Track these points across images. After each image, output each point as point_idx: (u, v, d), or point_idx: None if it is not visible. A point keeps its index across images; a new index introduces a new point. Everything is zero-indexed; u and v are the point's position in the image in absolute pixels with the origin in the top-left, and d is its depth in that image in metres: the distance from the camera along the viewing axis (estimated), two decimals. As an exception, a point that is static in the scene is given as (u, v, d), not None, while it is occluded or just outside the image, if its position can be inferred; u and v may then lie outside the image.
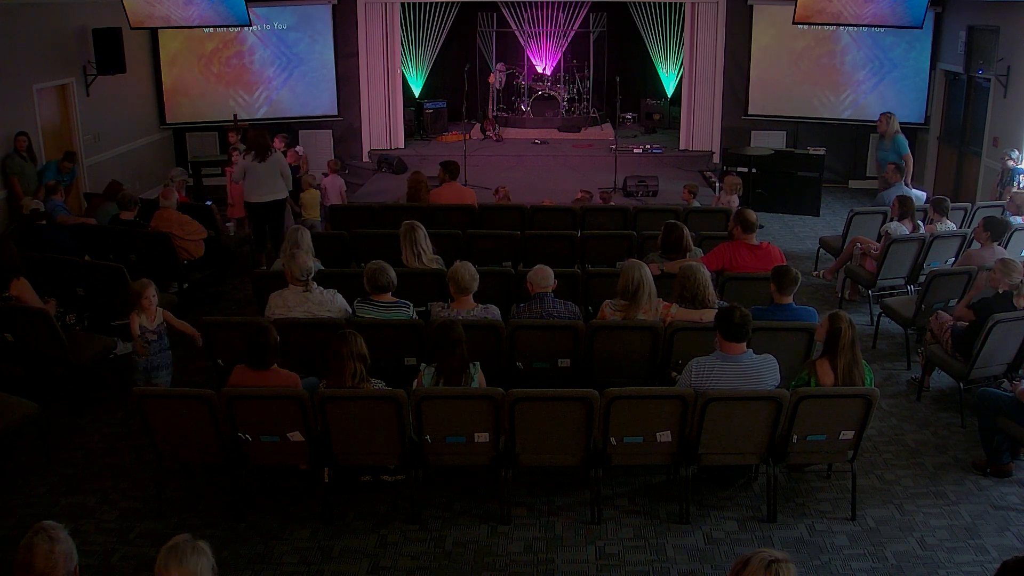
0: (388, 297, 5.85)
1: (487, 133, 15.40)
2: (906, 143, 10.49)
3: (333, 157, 12.58)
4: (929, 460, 5.76)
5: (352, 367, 4.90)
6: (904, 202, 8.24)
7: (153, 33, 12.73)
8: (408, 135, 14.93)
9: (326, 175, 11.19)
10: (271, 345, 5.05)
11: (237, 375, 5.12)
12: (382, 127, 14.29)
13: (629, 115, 16.34)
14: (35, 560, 2.95)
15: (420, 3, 14.69)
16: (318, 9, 13.62)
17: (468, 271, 5.75)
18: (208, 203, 10.14)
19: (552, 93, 16.04)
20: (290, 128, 13.91)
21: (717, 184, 11.99)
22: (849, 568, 4.68)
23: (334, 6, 13.64)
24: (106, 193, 9.15)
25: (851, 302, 8.50)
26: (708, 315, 5.54)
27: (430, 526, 5.02)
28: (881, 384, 6.69)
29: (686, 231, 6.66)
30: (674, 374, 5.36)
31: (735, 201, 9.79)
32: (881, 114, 10.61)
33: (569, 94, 16.26)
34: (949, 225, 8.29)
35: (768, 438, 4.94)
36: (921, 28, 11.75)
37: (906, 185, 9.87)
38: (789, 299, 5.74)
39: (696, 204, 9.70)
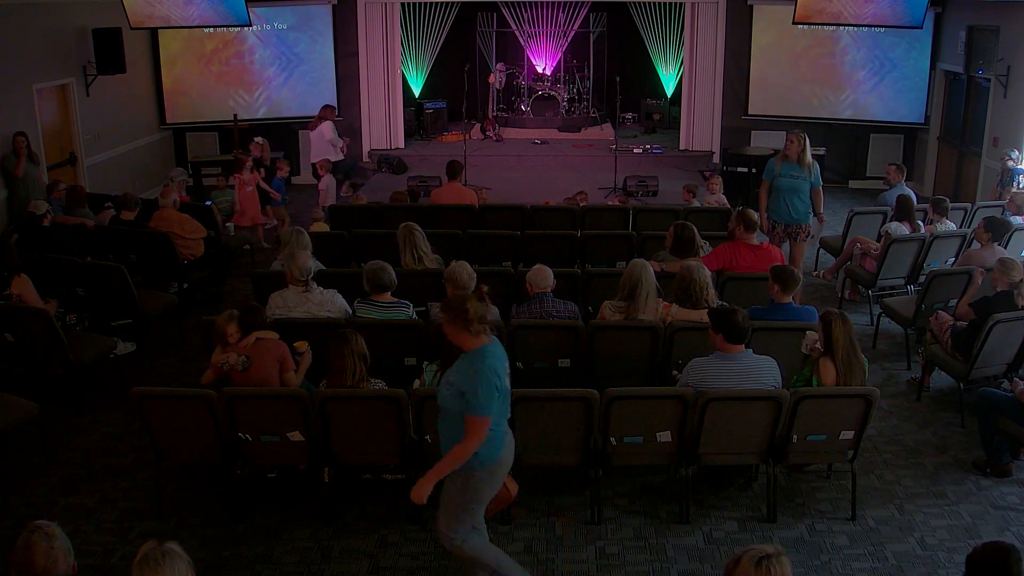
0: (388, 297, 5.85)
1: (487, 133, 15.40)
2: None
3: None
4: (929, 460, 5.77)
5: (352, 367, 4.90)
6: (904, 202, 8.25)
7: (153, 33, 12.72)
8: (408, 135, 14.93)
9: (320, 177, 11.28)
10: (261, 323, 5.34)
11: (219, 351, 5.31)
12: (382, 127, 14.28)
13: (629, 115, 16.34)
14: (35, 558, 2.95)
15: (420, 3, 14.69)
16: (318, 9, 13.62)
17: (466, 270, 5.75)
18: (208, 203, 10.14)
19: (552, 93, 16.04)
20: (290, 128, 13.93)
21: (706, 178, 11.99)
22: (849, 568, 4.68)
23: (334, 6, 13.64)
24: (72, 200, 8.93)
25: (851, 302, 8.50)
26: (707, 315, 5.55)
27: (430, 526, 5.02)
28: (881, 384, 6.68)
29: (696, 230, 6.69)
30: (675, 373, 5.36)
31: (723, 199, 9.84)
32: (793, 132, 8.17)
33: (569, 94, 16.26)
34: (949, 225, 8.30)
35: (768, 438, 4.94)
36: (921, 28, 11.75)
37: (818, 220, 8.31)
38: (790, 299, 5.75)
39: (696, 204, 9.70)
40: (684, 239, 6.65)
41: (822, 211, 8.24)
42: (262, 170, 11.04)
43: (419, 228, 6.75)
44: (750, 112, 13.89)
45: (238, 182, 10.45)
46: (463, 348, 3.89)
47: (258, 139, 12.09)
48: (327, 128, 11.79)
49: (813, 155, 12.06)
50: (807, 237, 8.23)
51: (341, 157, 12.00)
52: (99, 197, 9.49)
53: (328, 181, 11.28)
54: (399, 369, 5.64)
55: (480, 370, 3.78)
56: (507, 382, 3.95)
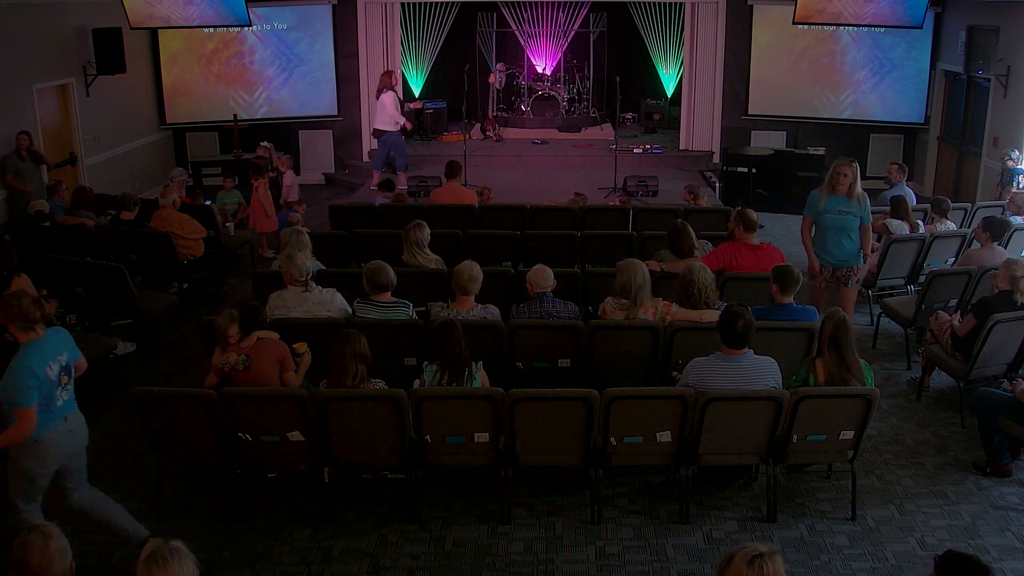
0: (387, 297, 5.85)
1: (487, 133, 15.40)
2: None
3: (287, 154, 12.37)
4: (929, 460, 5.77)
5: (354, 367, 4.90)
6: (897, 203, 8.23)
7: (153, 33, 12.73)
8: (408, 135, 14.91)
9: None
10: (262, 323, 5.32)
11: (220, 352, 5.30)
12: (382, 127, 14.26)
13: (629, 115, 16.34)
14: (31, 557, 2.96)
15: (420, 3, 14.69)
16: (318, 9, 13.62)
17: (468, 272, 5.74)
18: (208, 203, 10.13)
19: (552, 93, 16.03)
20: (290, 128, 13.94)
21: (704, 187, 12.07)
22: (849, 568, 4.68)
23: (334, 6, 13.64)
24: (77, 201, 8.94)
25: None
26: (708, 315, 5.55)
27: (430, 526, 5.03)
28: (881, 384, 6.68)
29: (690, 231, 6.70)
30: (675, 374, 5.36)
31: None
32: (843, 163, 6.83)
33: (569, 94, 16.25)
34: (949, 225, 8.30)
35: (768, 438, 4.94)
36: (921, 28, 11.76)
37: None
38: (790, 299, 5.74)
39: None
40: (677, 243, 6.65)
41: (869, 250, 7.09)
42: (272, 172, 10.99)
43: (423, 230, 6.74)
44: (750, 112, 13.90)
45: (263, 186, 10.11)
46: (17, 341, 4.33)
47: (265, 143, 12.06)
48: (389, 101, 12.07)
49: (813, 154, 12.24)
50: (858, 281, 7.09)
51: (395, 129, 12.20)
52: (105, 199, 9.45)
53: (292, 177, 11.16)
54: (399, 369, 5.64)
55: (14, 366, 4.21)
56: (52, 373, 4.31)
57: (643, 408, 4.86)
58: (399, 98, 12.42)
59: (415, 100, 15.67)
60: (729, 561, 2.83)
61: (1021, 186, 9.64)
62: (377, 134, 12.44)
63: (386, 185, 10.15)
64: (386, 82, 12.25)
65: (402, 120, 12.21)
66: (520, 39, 16.52)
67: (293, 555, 4.77)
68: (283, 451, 4.99)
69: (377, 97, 12.29)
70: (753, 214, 6.77)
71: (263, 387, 5.12)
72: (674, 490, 5.22)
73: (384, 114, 12.15)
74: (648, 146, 14.54)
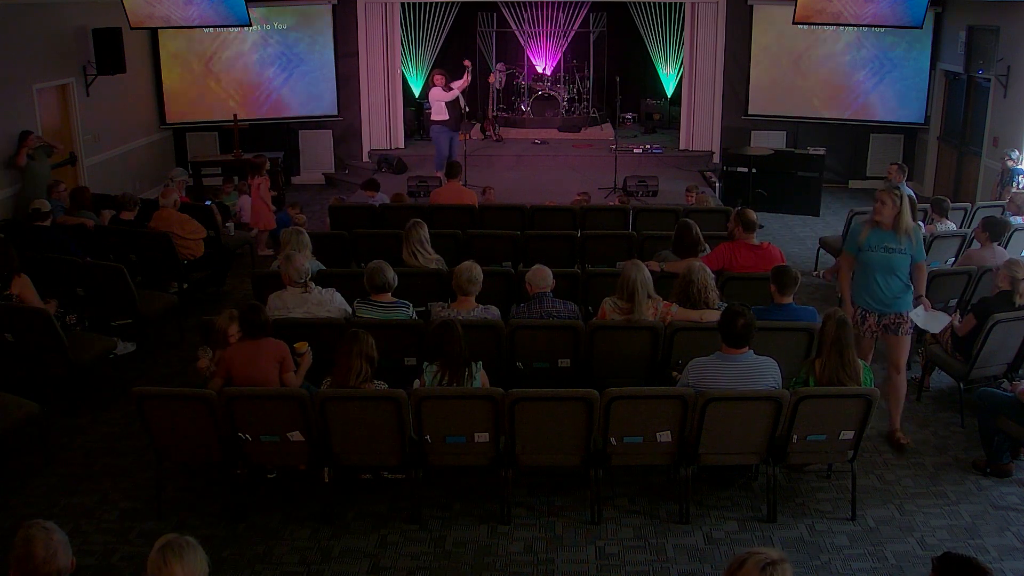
0: (388, 297, 5.85)
1: (487, 133, 15.40)
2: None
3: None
4: (929, 460, 5.77)
5: (358, 367, 4.90)
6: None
7: (153, 33, 12.73)
8: (408, 135, 14.93)
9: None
10: (263, 322, 5.27)
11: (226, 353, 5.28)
12: (382, 127, 14.29)
13: (629, 115, 16.35)
14: (36, 549, 2.97)
15: (420, 3, 14.69)
16: (318, 9, 13.63)
17: (467, 273, 5.74)
18: (208, 203, 10.13)
19: (552, 93, 16.03)
20: (290, 128, 13.94)
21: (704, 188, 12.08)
22: (849, 568, 4.69)
23: (334, 6, 13.64)
24: (75, 201, 8.94)
25: (851, 302, 8.48)
26: (708, 315, 5.55)
27: (430, 526, 5.03)
28: (881, 384, 6.66)
29: (697, 230, 6.70)
30: (675, 374, 5.36)
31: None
32: (885, 191, 5.87)
33: (569, 94, 16.26)
34: (949, 225, 8.30)
35: (768, 438, 4.94)
36: (921, 28, 11.76)
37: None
38: (789, 299, 5.74)
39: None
40: (686, 239, 6.66)
41: (924, 292, 6.02)
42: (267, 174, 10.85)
43: (423, 228, 6.75)
44: (750, 112, 13.90)
45: (264, 184, 10.09)
46: None
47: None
48: (435, 95, 12.36)
49: (813, 154, 12.24)
50: (909, 329, 5.99)
51: (442, 120, 12.43)
52: (103, 199, 9.46)
53: (246, 202, 10.67)
54: (399, 369, 5.64)
55: None
56: None
57: (643, 408, 4.86)
58: (443, 87, 12.48)
59: (415, 100, 15.71)
60: (741, 566, 2.81)
61: (1021, 186, 9.64)
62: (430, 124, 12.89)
63: (370, 185, 10.14)
64: (430, 79, 12.77)
65: (456, 87, 12.41)
66: (520, 39, 16.52)
67: (293, 555, 4.78)
68: (283, 451, 5.00)
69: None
70: (752, 214, 6.77)
71: (263, 387, 5.12)
72: (674, 490, 5.22)
73: (435, 107, 12.42)
74: (648, 146, 14.55)
